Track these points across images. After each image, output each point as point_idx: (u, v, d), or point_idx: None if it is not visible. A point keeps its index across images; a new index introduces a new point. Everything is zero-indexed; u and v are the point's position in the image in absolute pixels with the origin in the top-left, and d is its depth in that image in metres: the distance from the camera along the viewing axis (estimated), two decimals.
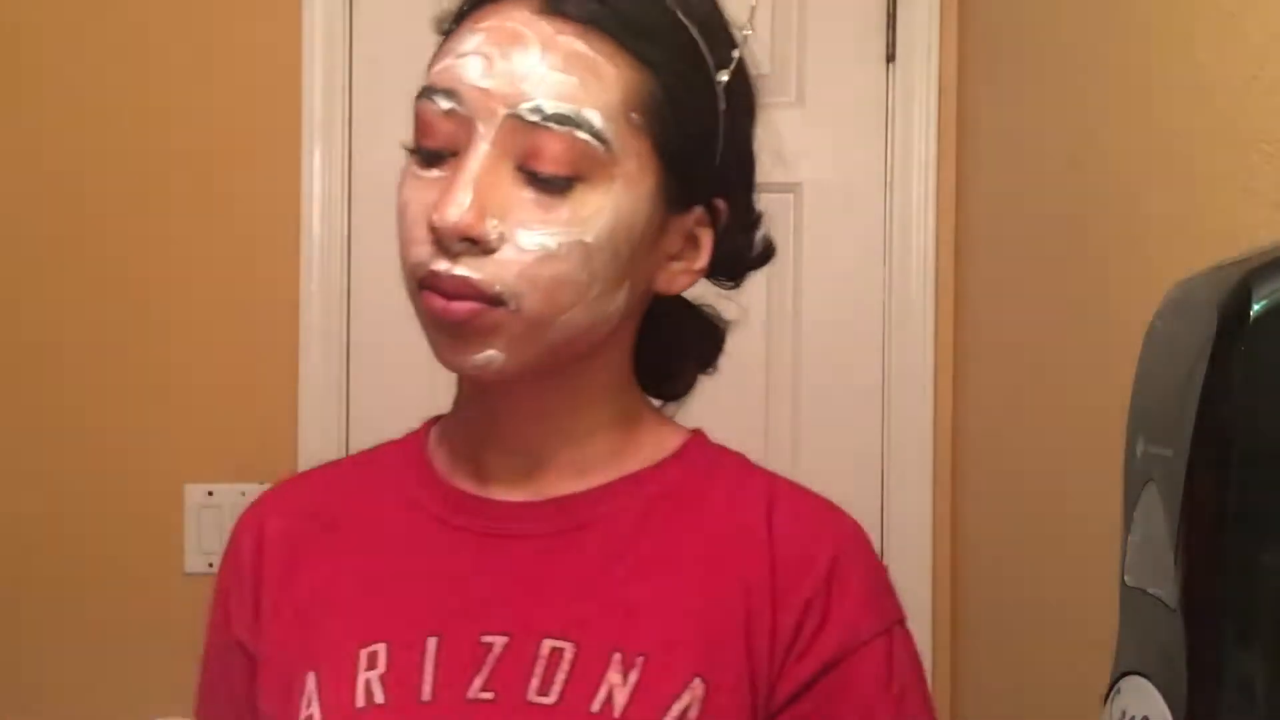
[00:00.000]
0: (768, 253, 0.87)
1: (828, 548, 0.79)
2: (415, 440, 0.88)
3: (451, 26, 0.78)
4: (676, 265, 0.80)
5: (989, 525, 1.97)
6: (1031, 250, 1.73)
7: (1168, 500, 0.65)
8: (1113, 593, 0.74)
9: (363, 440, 0.96)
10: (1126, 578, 0.72)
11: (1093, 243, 1.43)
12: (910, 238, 2.15)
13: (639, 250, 0.76)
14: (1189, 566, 0.62)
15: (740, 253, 0.85)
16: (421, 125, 0.76)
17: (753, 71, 0.82)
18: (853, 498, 2.54)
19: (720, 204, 0.81)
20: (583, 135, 0.72)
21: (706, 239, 0.81)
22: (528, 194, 0.73)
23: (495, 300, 0.72)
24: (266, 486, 0.92)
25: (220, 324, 2.12)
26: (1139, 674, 0.68)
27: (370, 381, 2.07)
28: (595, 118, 0.72)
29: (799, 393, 2.17)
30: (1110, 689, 0.72)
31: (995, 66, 1.98)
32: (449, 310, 0.73)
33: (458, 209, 0.71)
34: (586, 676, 0.74)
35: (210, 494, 2.02)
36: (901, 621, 0.81)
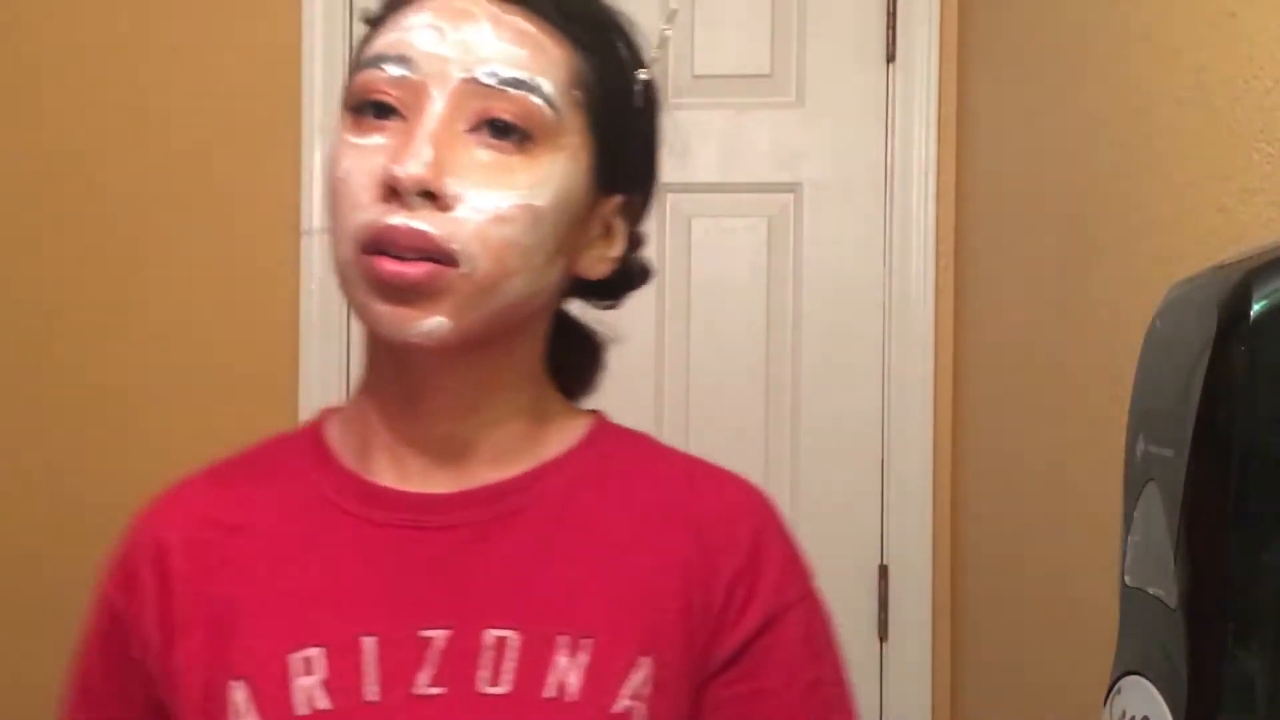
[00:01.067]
0: (645, 274, 0.88)
1: (749, 523, 0.81)
2: (312, 434, 0.86)
3: (383, 14, 0.79)
4: (595, 251, 0.82)
5: (989, 525, 1.97)
6: (1031, 250, 1.73)
7: (1168, 500, 0.65)
8: (1113, 592, 0.74)
9: None
10: (1126, 578, 0.72)
11: (1092, 243, 1.42)
12: (910, 238, 2.15)
13: (575, 224, 0.78)
14: (1189, 566, 0.62)
15: (631, 262, 0.86)
16: (362, 91, 0.74)
17: (658, 85, 0.84)
18: (853, 497, 2.52)
19: (636, 198, 0.84)
20: (536, 100, 0.74)
21: (621, 228, 0.83)
22: (481, 155, 0.73)
23: (450, 259, 0.71)
24: None
25: (221, 322, 2.12)
26: (1139, 674, 0.68)
27: None
28: (547, 84, 0.75)
29: (799, 392, 2.17)
30: (1110, 689, 0.72)
31: (995, 66, 1.98)
32: (402, 274, 0.71)
33: (419, 161, 0.71)
34: (535, 663, 0.74)
35: None
36: (813, 584, 0.84)
